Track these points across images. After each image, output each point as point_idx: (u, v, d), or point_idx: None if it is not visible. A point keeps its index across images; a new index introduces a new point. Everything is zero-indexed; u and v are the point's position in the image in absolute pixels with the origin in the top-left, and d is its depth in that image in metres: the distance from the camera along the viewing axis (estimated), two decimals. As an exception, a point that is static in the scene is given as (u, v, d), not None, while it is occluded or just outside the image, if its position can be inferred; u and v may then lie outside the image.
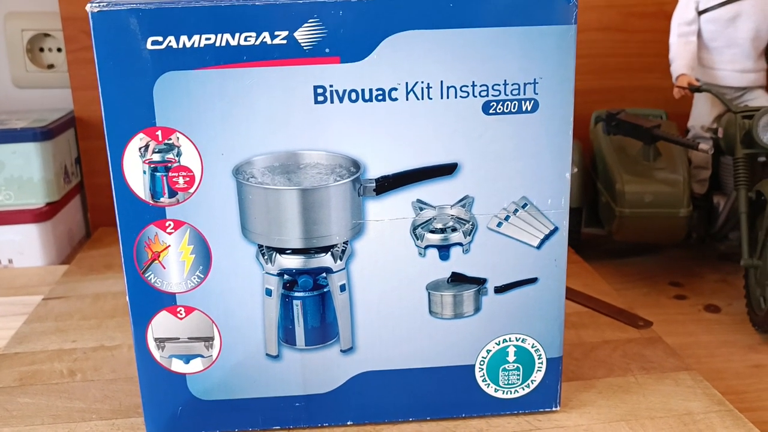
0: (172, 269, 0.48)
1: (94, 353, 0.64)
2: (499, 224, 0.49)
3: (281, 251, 0.48)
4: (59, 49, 1.02)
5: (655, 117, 0.91)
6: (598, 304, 0.71)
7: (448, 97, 0.46)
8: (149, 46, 0.43)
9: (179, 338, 0.49)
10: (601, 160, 0.85)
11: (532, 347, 0.52)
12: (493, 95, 0.46)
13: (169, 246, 0.47)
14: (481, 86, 0.46)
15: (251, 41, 0.44)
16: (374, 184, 0.47)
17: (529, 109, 0.47)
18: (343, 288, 0.49)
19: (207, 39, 0.44)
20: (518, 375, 0.52)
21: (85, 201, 1.01)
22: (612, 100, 1.02)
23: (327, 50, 0.44)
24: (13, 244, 0.86)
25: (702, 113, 0.85)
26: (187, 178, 0.46)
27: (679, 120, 0.90)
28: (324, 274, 0.49)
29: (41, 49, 1.03)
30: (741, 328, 0.73)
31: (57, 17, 0.98)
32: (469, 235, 0.49)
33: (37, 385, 0.58)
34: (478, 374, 0.52)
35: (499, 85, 0.46)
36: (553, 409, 0.53)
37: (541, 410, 0.53)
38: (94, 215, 1.01)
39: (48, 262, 0.88)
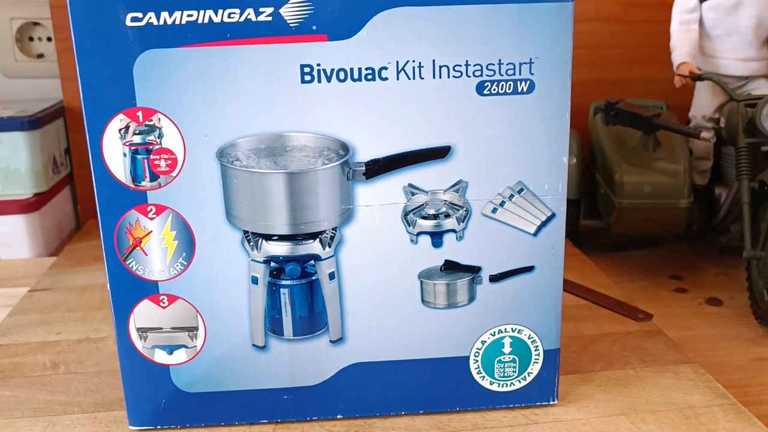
0: (155, 256, 0.46)
1: (78, 345, 0.62)
2: (494, 210, 0.47)
3: (267, 237, 0.46)
4: (49, 39, 1.01)
5: (655, 108, 0.89)
6: (597, 297, 0.70)
7: (440, 77, 0.44)
8: (129, 22, 0.42)
9: (162, 328, 0.47)
10: (600, 151, 0.83)
11: (529, 338, 0.50)
12: (487, 75, 0.44)
13: (151, 232, 0.45)
14: (474, 66, 0.44)
15: (235, 18, 0.42)
16: (364, 168, 0.45)
17: (524, 90, 0.45)
18: (332, 276, 0.47)
19: (189, 15, 0.42)
20: (514, 367, 0.50)
21: (75, 193, 0.99)
22: (611, 91, 1.00)
23: (314, 27, 0.43)
24: (-1, 235, 0.85)
25: (703, 103, 0.84)
26: (169, 161, 0.44)
27: (680, 111, 0.89)
28: (312, 262, 0.47)
29: (30, 39, 1.01)
30: (743, 321, 0.71)
31: (46, 5, 0.96)
32: (463, 222, 0.47)
33: (17, 378, 0.57)
34: (472, 366, 0.50)
35: (493, 64, 0.44)
36: (551, 402, 0.51)
37: (538, 404, 0.51)
38: (84, 207, 0.99)
39: (36, 254, 0.86)
